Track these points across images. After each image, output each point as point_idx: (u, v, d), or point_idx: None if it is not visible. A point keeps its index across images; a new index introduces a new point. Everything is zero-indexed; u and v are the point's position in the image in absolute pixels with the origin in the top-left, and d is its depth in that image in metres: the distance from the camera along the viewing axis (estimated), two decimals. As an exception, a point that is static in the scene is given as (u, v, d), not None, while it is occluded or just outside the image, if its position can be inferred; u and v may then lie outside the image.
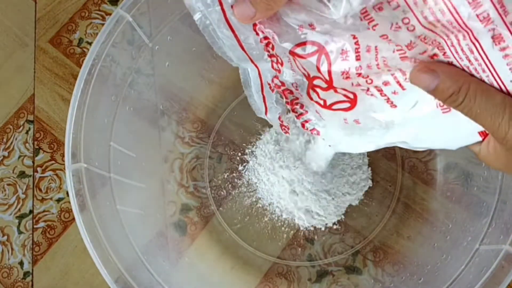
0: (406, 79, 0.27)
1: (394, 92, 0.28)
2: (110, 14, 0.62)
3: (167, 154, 0.55)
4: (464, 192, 0.48)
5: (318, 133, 0.38)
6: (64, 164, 0.45)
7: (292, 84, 0.34)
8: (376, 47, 0.26)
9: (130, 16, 0.45)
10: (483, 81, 0.25)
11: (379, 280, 0.50)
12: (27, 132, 0.61)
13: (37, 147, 0.60)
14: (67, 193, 0.56)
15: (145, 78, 0.52)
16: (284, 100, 0.36)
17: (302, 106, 0.36)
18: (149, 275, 0.44)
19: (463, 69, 0.25)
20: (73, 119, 0.43)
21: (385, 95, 0.29)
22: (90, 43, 0.62)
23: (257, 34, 0.31)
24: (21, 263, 0.56)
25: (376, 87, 0.29)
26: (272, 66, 0.34)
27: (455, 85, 0.25)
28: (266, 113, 0.40)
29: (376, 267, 0.51)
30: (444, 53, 0.25)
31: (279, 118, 0.41)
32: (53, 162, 0.59)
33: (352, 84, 0.29)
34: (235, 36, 0.31)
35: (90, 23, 0.63)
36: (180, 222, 0.53)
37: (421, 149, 0.33)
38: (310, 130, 0.38)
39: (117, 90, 0.48)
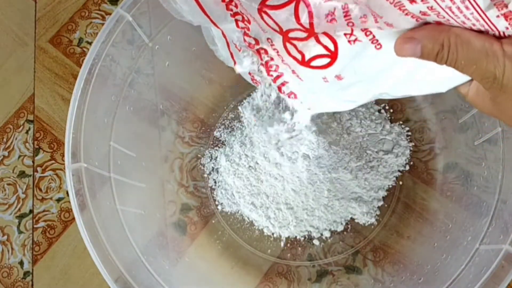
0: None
1: (380, 28, 0.27)
2: (110, 14, 0.62)
3: (167, 154, 0.55)
4: (464, 192, 0.48)
5: (295, 97, 0.36)
6: (64, 164, 0.45)
7: (267, 39, 0.32)
8: None
9: (130, 16, 0.45)
10: (464, 28, 0.25)
11: (379, 280, 0.50)
12: (27, 132, 0.61)
13: (37, 147, 0.60)
14: (67, 192, 0.56)
15: (145, 78, 0.52)
16: (259, 61, 0.34)
17: (277, 67, 0.34)
18: (149, 275, 0.44)
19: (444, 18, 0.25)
20: (73, 119, 0.43)
21: (371, 33, 0.28)
22: (90, 43, 0.62)
23: None
24: (21, 263, 0.56)
25: (361, 28, 0.27)
26: (237, 25, 0.32)
27: (437, 43, 0.26)
28: (234, 65, 0.39)
29: (376, 267, 0.51)
30: None
31: (249, 73, 0.39)
32: (53, 161, 0.59)
33: (335, 30, 0.28)
34: None
35: (90, 23, 0.63)
36: (180, 222, 0.53)
37: (405, 96, 0.32)
38: (287, 94, 0.36)
39: (117, 90, 0.48)
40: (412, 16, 0.26)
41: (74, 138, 0.43)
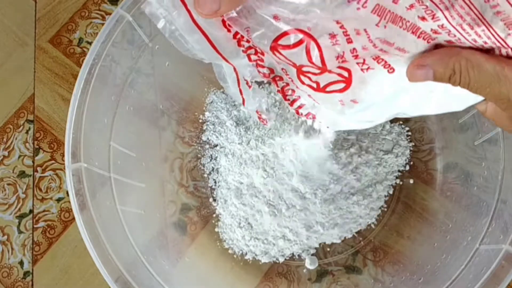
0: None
1: (391, 55, 0.27)
2: (110, 14, 0.62)
3: (167, 154, 0.55)
4: (464, 192, 0.48)
5: (313, 117, 0.36)
6: (64, 164, 0.45)
7: (282, 69, 0.32)
8: (365, 29, 0.26)
9: (130, 16, 0.45)
10: (474, 48, 0.25)
11: (379, 280, 0.50)
12: (27, 132, 0.61)
13: (37, 146, 0.60)
14: (67, 192, 0.56)
15: (145, 78, 0.52)
16: (275, 88, 0.35)
17: (293, 92, 0.34)
18: (149, 275, 0.44)
19: (458, 39, 0.25)
20: (73, 119, 0.43)
21: (383, 60, 0.28)
22: (90, 43, 0.62)
23: (228, 30, 0.29)
24: (21, 263, 0.56)
25: (372, 57, 0.28)
26: (250, 59, 0.32)
27: (448, 68, 0.26)
28: (243, 104, 0.39)
29: (376, 267, 0.51)
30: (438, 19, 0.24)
31: (257, 111, 0.40)
32: (53, 161, 0.59)
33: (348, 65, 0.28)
34: (205, 36, 0.29)
35: (90, 23, 0.63)
36: (180, 222, 0.53)
37: (422, 115, 0.32)
38: (305, 115, 0.36)
39: (117, 90, 0.48)
40: (423, 38, 0.26)
41: (74, 138, 0.43)
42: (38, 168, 0.59)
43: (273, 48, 0.28)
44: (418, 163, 0.53)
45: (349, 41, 0.27)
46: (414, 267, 0.49)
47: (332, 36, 0.26)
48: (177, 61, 0.53)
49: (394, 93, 0.31)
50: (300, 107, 0.36)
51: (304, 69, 0.30)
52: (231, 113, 0.55)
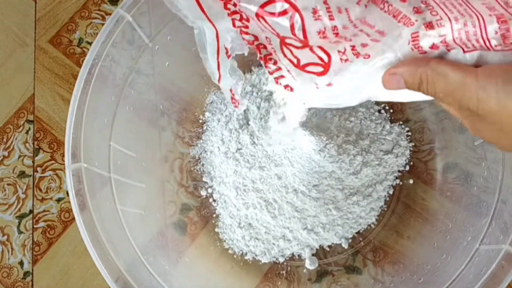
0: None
1: (372, 40, 0.28)
2: (110, 14, 0.62)
3: (167, 154, 0.55)
4: (464, 192, 0.48)
5: (291, 89, 0.37)
6: (64, 164, 0.45)
7: (266, 38, 0.33)
8: (346, 8, 0.27)
9: (130, 16, 0.45)
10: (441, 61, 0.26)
11: (379, 280, 0.50)
12: (27, 132, 0.61)
13: (37, 147, 0.60)
14: (67, 193, 0.56)
15: (145, 78, 0.52)
16: (258, 55, 0.35)
17: (275, 63, 0.35)
18: (149, 275, 0.44)
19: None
20: (73, 119, 0.43)
21: (359, 54, 0.29)
22: (90, 43, 0.62)
23: None
24: (21, 263, 0.56)
25: (353, 51, 0.29)
26: (234, 25, 0.32)
27: (416, 77, 0.27)
28: (219, 81, 0.40)
29: (376, 267, 0.51)
30: None
31: (230, 90, 0.40)
32: (53, 162, 0.59)
33: (329, 46, 0.29)
34: None
35: (90, 23, 0.63)
36: (180, 222, 0.53)
37: (389, 101, 0.33)
38: (284, 86, 0.37)
39: (117, 90, 0.48)
40: (404, 23, 0.27)
41: (74, 138, 0.43)
42: (38, 168, 0.59)
43: (259, 15, 0.29)
44: (418, 163, 0.53)
45: (331, 18, 0.27)
46: (414, 267, 0.49)
47: (315, 11, 0.28)
48: (177, 61, 0.53)
49: (364, 81, 0.31)
50: (280, 77, 0.36)
51: (287, 40, 0.31)
52: (231, 113, 0.55)
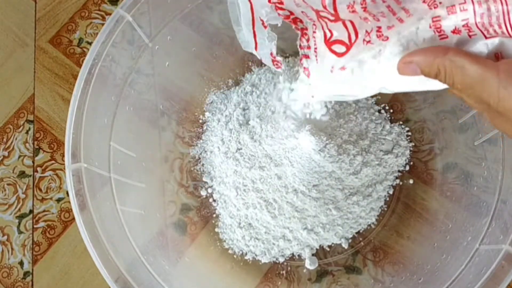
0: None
1: (397, 18, 0.28)
2: (110, 14, 0.62)
3: (167, 154, 0.55)
4: (464, 192, 0.48)
5: (308, 75, 0.38)
6: (64, 164, 0.45)
7: (302, 12, 0.34)
8: None
9: (130, 16, 0.45)
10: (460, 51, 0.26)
11: (379, 280, 0.50)
12: (27, 132, 0.61)
13: (37, 147, 0.60)
14: (67, 193, 0.56)
15: (145, 78, 0.52)
16: (294, 27, 0.36)
17: (308, 40, 0.36)
18: (149, 275, 0.44)
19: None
20: (73, 119, 0.43)
21: (386, 38, 0.29)
22: (90, 43, 0.62)
23: None
24: (21, 263, 0.56)
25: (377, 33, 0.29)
26: (269, 0, 0.33)
27: (433, 68, 0.26)
28: (256, 49, 0.40)
29: (376, 267, 0.51)
30: None
31: (271, 54, 0.40)
32: (53, 162, 0.59)
33: (360, 17, 0.30)
34: None
35: (90, 23, 0.63)
36: (180, 222, 0.53)
37: (404, 91, 0.33)
38: (304, 67, 0.38)
39: (117, 90, 0.48)
40: (428, 4, 0.27)
41: (74, 138, 0.43)
42: (38, 168, 0.59)
43: None
44: (418, 163, 0.53)
45: None
46: (414, 267, 0.49)
47: None
48: (177, 61, 0.53)
49: (378, 71, 0.32)
50: (305, 56, 0.37)
51: (322, 13, 0.32)
52: (231, 113, 0.55)
